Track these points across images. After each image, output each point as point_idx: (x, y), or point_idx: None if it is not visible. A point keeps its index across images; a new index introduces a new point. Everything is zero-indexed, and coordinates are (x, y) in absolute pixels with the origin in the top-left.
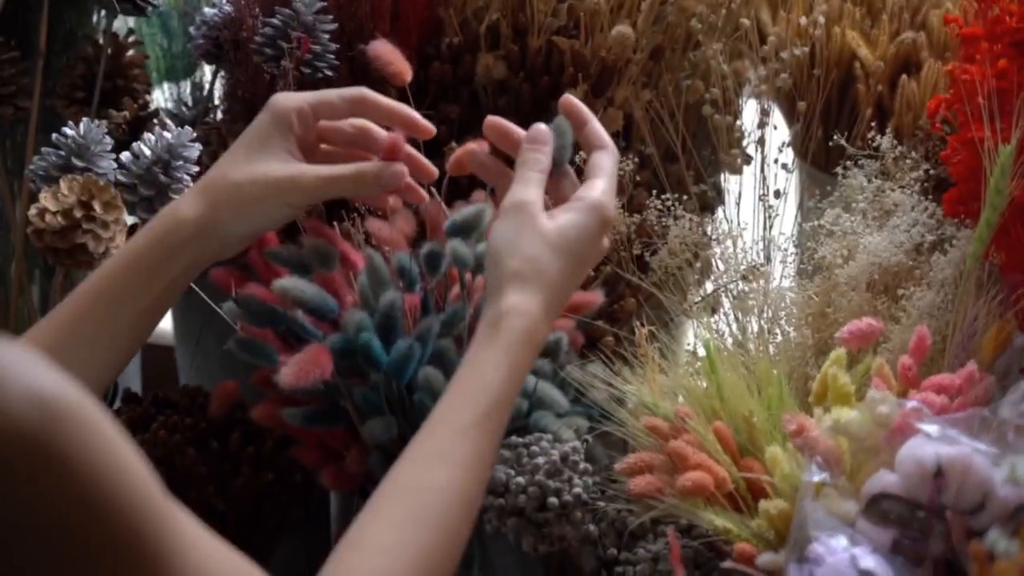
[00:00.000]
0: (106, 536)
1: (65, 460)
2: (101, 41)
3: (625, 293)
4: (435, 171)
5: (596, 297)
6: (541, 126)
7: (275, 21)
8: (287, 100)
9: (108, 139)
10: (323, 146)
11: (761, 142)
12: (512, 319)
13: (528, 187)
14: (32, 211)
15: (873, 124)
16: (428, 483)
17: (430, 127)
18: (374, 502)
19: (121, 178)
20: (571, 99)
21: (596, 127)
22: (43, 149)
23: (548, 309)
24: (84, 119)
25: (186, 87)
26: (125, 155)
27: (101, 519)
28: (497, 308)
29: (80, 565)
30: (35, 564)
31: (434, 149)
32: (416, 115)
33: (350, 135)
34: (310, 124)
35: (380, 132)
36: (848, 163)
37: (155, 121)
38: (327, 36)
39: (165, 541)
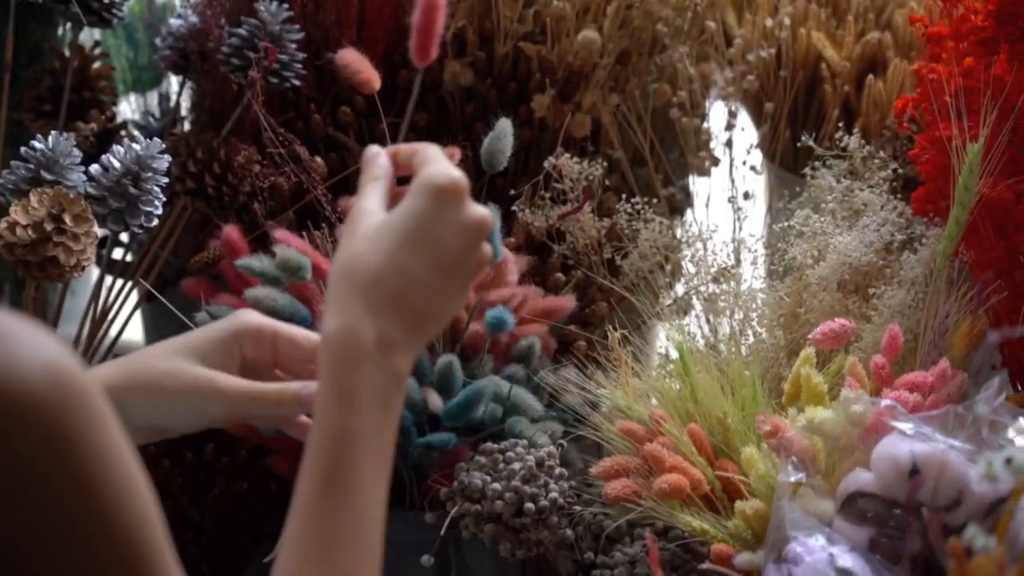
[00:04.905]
0: (94, 521)
1: (69, 430)
2: (67, 53)
3: (597, 297)
4: None
5: (568, 302)
6: (369, 147)
7: (241, 31)
8: (251, 317)
9: (77, 152)
10: (277, 371)
11: (729, 144)
12: (325, 344)
13: (359, 200)
14: (2, 224)
15: (840, 124)
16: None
17: None
18: None
19: (91, 190)
20: (392, 148)
21: (412, 144)
22: (12, 162)
23: (370, 305)
24: (52, 132)
25: (152, 98)
26: (94, 167)
27: (92, 503)
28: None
29: (64, 542)
30: (18, 527)
31: None
32: None
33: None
34: (266, 348)
35: None
36: (816, 164)
37: (123, 133)
38: (294, 45)
39: (148, 539)
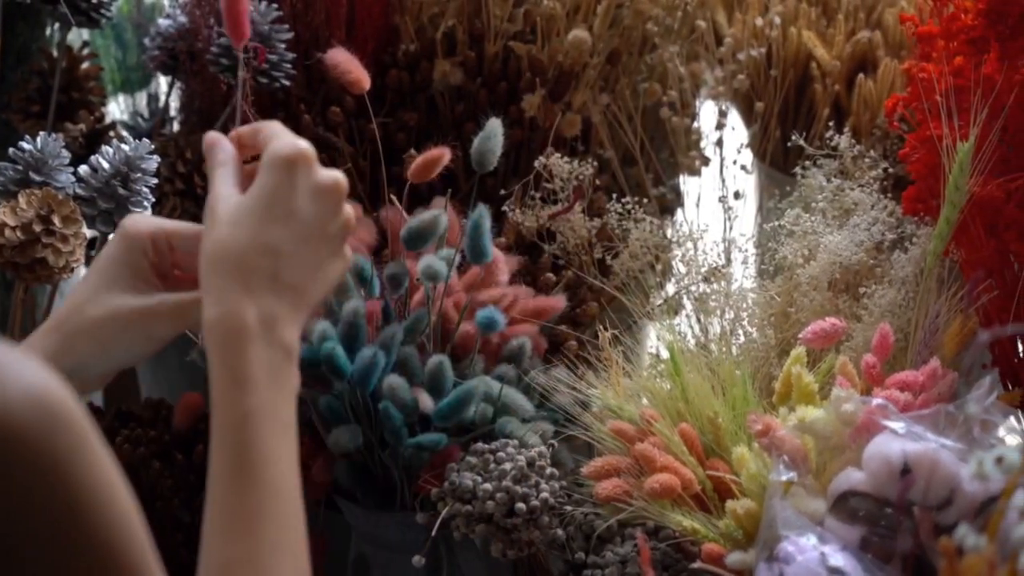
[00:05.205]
0: (84, 543)
1: (55, 455)
2: (55, 54)
3: (587, 297)
4: None
5: (558, 302)
6: (206, 135)
7: None
8: (140, 225)
9: (65, 152)
10: (176, 272)
11: (719, 143)
12: (208, 333)
13: (212, 188)
14: None
15: (831, 124)
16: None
17: None
18: None
19: (80, 191)
20: (235, 131)
21: (254, 124)
22: (0, 164)
23: (245, 287)
24: (41, 133)
25: (141, 99)
26: (83, 168)
27: (82, 525)
28: None
29: (57, 566)
30: (10, 543)
31: (393, 156)
32: None
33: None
34: (164, 251)
35: None
36: (807, 163)
37: (112, 134)
38: (283, 45)
39: (136, 557)
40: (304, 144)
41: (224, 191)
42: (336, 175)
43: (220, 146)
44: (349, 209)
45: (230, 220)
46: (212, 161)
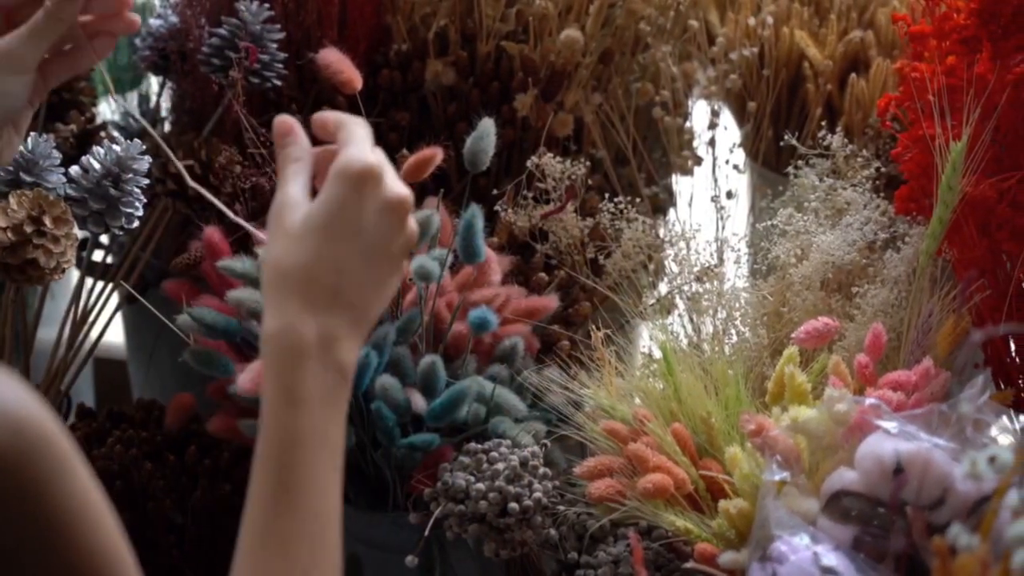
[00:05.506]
0: (58, 551)
1: (38, 488)
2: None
3: (580, 297)
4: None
5: (551, 302)
6: (280, 117)
7: (222, 31)
8: None
9: (56, 153)
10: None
11: (712, 143)
12: (266, 345)
13: (283, 187)
14: None
15: (823, 123)
16: None
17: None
18: None
19: (71, 192)
20: (320, 115)
21: (340, 116)
22: None
23: (308, 303)
24: (32, 133)
25: (132, 99)
26: (74, 169)
27: (64, 554)
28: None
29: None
30: None
31: (386, 156)
32: None
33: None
34: None
35: None
36: (799, 162)
37: (103, 134)
38: (275, 45)
39: (116, 563)
40: (372, 160)
41: (294, 195)
42: (402, 192)
43: (296, 140)
44: (414, 224)
45: (295, 234)
46: (285, 154)
